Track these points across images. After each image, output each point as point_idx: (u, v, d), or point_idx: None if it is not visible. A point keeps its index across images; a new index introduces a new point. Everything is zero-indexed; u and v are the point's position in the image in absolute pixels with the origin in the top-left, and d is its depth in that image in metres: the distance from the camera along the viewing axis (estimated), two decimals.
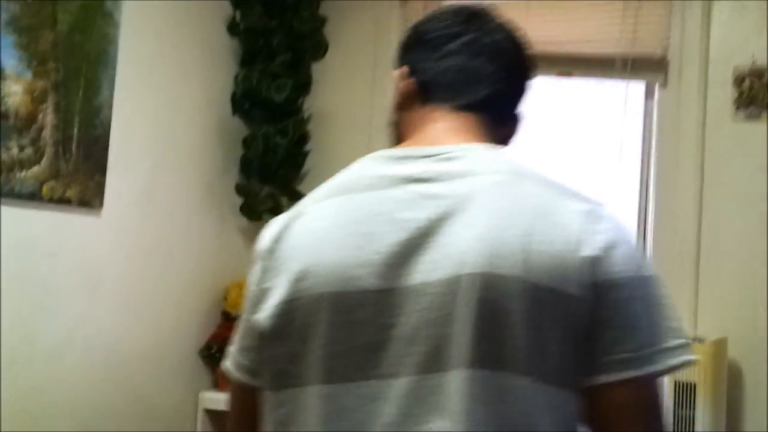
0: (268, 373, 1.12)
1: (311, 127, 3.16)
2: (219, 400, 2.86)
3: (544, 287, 0.99)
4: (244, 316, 1.19)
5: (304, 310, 1.07)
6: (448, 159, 1.11)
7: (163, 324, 2.77)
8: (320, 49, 3.17)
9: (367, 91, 3.13)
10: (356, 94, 3.16)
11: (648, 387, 1.04)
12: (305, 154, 3.14)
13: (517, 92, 1.24)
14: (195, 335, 2.92)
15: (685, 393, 2.56)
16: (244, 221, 3.09)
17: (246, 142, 3.07)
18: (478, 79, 1.20)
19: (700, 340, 2.59)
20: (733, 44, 2.73)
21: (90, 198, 2.47)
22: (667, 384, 2.60)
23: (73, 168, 2.41)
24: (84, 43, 2.43)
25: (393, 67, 1.27)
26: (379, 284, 1.05)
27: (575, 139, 3.10)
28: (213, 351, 2.87)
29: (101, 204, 2.51)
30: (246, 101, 3.05)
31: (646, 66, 2.84)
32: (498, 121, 1.21)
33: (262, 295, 1.12)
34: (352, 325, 1.05)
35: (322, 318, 1.06)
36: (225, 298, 2.98)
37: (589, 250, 1.01)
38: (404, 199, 1.08)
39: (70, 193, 2.40)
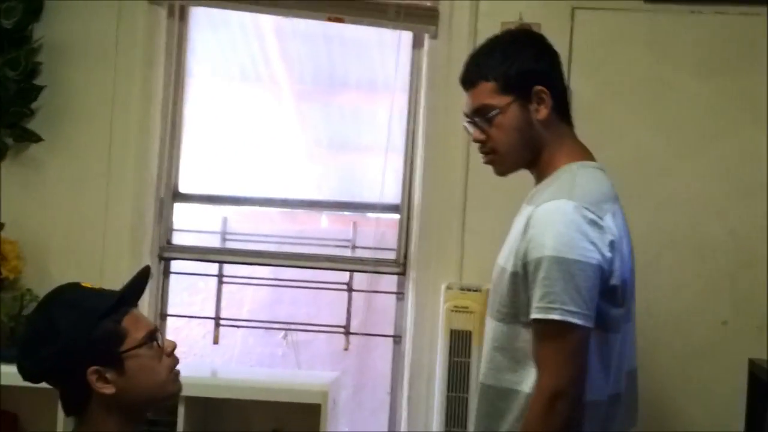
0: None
1: (43, 58, 2.82)
2: None
3: None
4: (592, 282, 1.72)
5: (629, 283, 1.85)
6: None
7: None
8: None
9: (111, 19, 2.87)
10: (97, 22, 2.88)
11: None
12: (38, 90, 2.80)
13: None
14: None
15: (461, 341, 2.64)
16: None
17: None
18: None
19: (475, 290, 2.68)
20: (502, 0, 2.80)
21: None
22: (443, 333, 2.66)
23: None
24: None
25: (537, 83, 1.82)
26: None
27: (346, 86, 3.03)
28: None
29: None
30: None
31: (417, 15, 2.81)
32: None
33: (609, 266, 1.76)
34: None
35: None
36: None
37: None
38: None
39: None
